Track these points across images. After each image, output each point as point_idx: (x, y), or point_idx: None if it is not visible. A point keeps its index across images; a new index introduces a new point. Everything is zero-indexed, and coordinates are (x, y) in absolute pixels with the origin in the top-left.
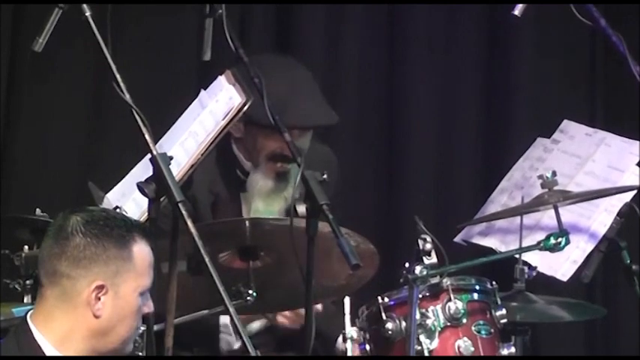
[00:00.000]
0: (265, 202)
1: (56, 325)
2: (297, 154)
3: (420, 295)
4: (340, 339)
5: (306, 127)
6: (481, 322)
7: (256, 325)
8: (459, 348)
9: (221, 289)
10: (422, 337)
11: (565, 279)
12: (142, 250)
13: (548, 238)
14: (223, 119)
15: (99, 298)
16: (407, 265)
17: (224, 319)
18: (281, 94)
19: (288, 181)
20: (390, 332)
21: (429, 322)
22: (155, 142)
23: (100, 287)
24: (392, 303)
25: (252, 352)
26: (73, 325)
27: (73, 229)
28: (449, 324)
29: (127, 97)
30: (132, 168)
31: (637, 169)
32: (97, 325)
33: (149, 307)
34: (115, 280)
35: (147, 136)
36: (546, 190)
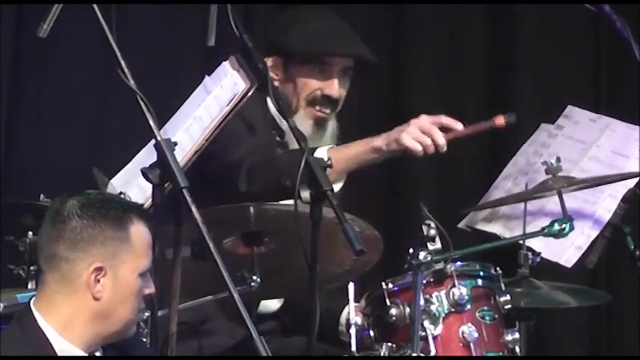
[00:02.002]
0: None
1: (58, 310)
2: (302, 139)
3: (424, 281)
4: (344, 314)
5: (352, 55)
6: (485, 307)
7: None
8: (463, 334)
9: (225, 274)
10: (426, 323)
11: (569, 265)
12: (139, 231)
13: (552, 224)
14: (228, 105)
15: (98, 280)
16: (411, 250)
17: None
18: (326, 27)
19: (325, 128)
20: (394, 318)
21: (433, 307)
22: (159, 127)
23: (99, 269)
24: (396, 289)
25: (256, 337)
26: (74, 308)
27: (69, 213)
28: (453, 310)
29: (132, 82)
30: (136, 154)
31: None
32: (97, 307)
33: (150, 289)
34: (114, 262)
35: (151, 122)
36: (550, 175)
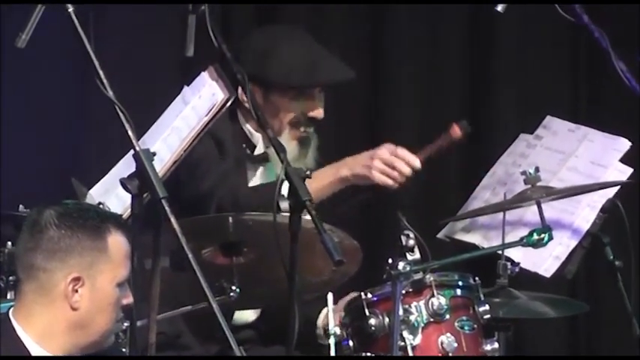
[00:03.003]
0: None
1: (36, 320)
2: (281, 150)
3: (403, 291)
4: (321, 317)
5: (336, 82)
6: (464, 317)
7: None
8: (442, 344)
9: (204, 285)
10: (405, 333)
11: (548, 275)
12: (117, 241)
13: (531, 234)
14: (206, 115)
15: (76, 290)
16: (390, 261)
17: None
18: (304, 56)
19: (309, 145)
20: (373, 328)
21: (412, 317)
22: (138, 138)
23: (77, 279)
24: (375, 299)
25: (235, 348)
26: (51, 319)
27: (46, 222)
28: (432, 320)
29: (110, 93)
30: (115, 164)
31: (620, 165)
32: (75, 317)
33: (128, 299)
34: (91, 272)
35: (130, 132)
36: (529, 186)
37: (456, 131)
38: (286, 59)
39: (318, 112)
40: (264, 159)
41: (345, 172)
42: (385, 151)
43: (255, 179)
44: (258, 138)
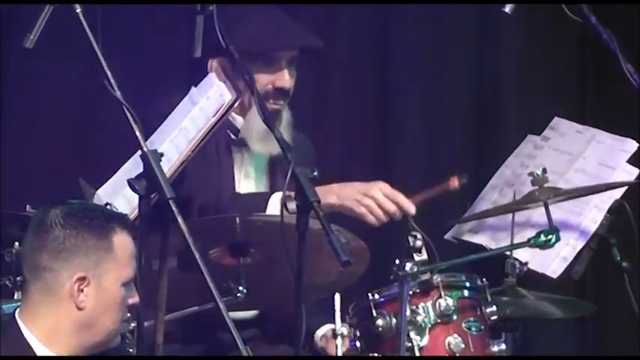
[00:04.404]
0: (262, 143)
1: (42, 321)
2: (288, 150)
3: (411, 292)
4: (319, 332)
5: (299, 47)
6: (471, 318)
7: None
8: (449, 345)
9: (211, 285)
10: (412, 334)
11: (555, 276)
12: (122, 241)
13: (538, 235)
14: (214, 116)
15: (81, 290)
16: (397, 261)
17: None
18: (268, 24)
19: (280, 119)
20: (380, 329)
21: (419, 318)
22: (146, 138)
23: (82, 279)
24: (382, 300)
25: (242, 348)
26: (57, 319)
27: (52, 222)
28: (439, 321)
29: (118, 93)
30: (123, 165)
31: (627, 166)
32: (81, 317)
33: (134, 299)
34: (97, 271)
35: (137, 133)
36: (537, 187)
37: (454, 183)
38: (251, 28)
39: (285, 82)
40: (242, 144)
41: (332, 200)
42: (378, 191)
43: (245, 164)
44: (240, 122)
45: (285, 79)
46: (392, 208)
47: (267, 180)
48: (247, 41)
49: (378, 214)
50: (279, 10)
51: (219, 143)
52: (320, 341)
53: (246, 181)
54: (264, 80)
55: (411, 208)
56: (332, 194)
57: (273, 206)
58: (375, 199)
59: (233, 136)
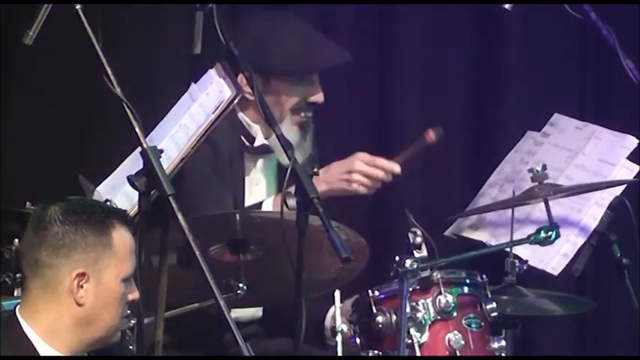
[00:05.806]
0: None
1: (42, 317)
2: (288, 147)
3: (411, 289)
4: (328, 317)
5: (335, 66)
6: (471, 315)
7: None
8: (449, 341)
9: (211, 282)
10: (412, 331)
11: (556, 273)
12: (121, 236)
13: (538, 231)
14: (214, 112)
15: (81, 286)
16: (397, 258)
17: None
18: (303, 42)
19: (308, 130)
20: (380, 325)
21: (419, 315)
22: (145, 135)
23: (82, 275)
24: (382, 296)
25: (243, 345)
26: (57, 315)
27: (51, 219)
28: (439, 317)
29: (118, 90)
30: (122, 161)
31: (627, 162)
32: (81, 313)
33: (133, 294)
34: (96, 267)
35: (137, 130)
36: (537, 183)
37: (431, 136)
38: (285, 46)
39: (319, 97)
40: (264, 150)
41: (322, 187)
42: (360, 162)
43: (255, 171)
44: (257, 130)
45: (320, 94)
46: (379, 173)
47: (277, 186)
48: (284, 61)
49: (367, 184)
50: (311, 26)
51: (233, 150)
52: (329, 323)
53: (257, 188)
54: (297, 96)
55: (395, 167)
56: (320, 183)
57: (267, 207)
58: (360, 171)
59: (248, 143)
